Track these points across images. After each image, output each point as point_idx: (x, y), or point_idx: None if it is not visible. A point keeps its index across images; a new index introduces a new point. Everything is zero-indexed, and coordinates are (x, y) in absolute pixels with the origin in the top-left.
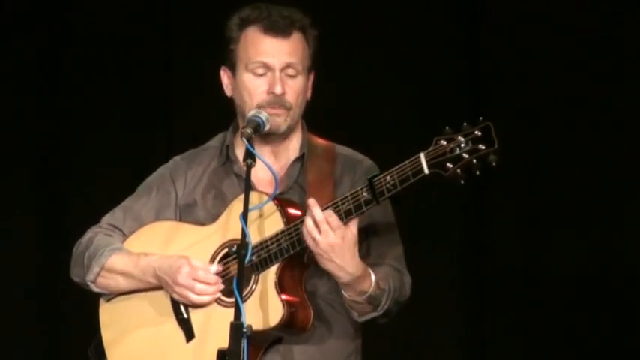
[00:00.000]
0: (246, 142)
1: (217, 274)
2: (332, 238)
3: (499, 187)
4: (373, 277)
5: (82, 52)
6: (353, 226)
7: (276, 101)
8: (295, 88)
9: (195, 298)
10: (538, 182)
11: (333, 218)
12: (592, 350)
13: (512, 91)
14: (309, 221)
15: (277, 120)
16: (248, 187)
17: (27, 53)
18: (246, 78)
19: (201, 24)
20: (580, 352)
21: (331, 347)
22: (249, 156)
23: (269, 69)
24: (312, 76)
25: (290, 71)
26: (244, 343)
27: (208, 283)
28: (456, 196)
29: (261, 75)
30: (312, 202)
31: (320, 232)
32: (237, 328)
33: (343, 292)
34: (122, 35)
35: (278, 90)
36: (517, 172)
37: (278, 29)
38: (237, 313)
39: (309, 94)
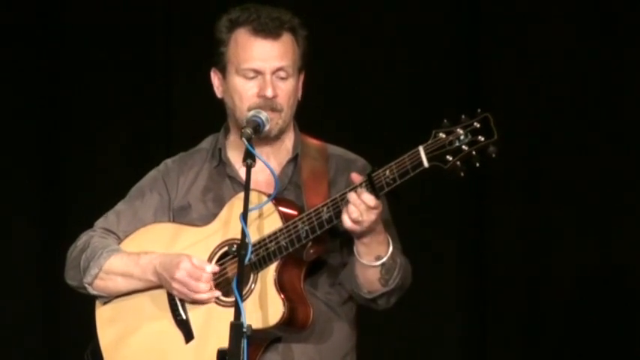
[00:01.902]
0: (246, 143)
1: (214, 274)
2: (373, 215)
3: (499, 186)
4: (391, 243)
5: (82, 52)
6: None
7: (267, 105)
8: (286, 91)
9: (194, 295)
10: (538, 182)
11: (370, 197)
12: (592, 350)
13: (512, 89)
14: (352, 208)
15: (269, 123)
16: (248, 186)
17: (27, 53)
18: (237, 81)
19: (202, 24)
20: (580, 353)
21: (329, 346)
22: (249, 156)
23: (259, 72)
24: (302, 77)
25: (281, 74)
26: (244, 343)
27: (206, 281)
28: (457, 195)
29: (251, 78)
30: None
31: (361, 215)
32: (237, 328)
33: (359, 259)
34: (122, 35)
35: (269, 93)
36: (517, 172)
37: (267, 31)
38: (237, 313)
39: (299, 95)
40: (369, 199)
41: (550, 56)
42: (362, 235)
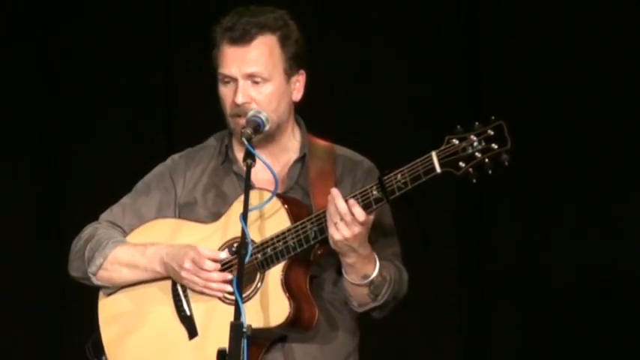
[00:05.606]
0: (246, 142)
1: (224, 263)
2: (357, 228)
3: (499, 187)
4: (377, 262)
5: (82, 52)
6: (371, 214)
7: (240, 112)
8: (265, 95)
9: (202, 283)
10: (538, 184)
11: (358, 209)
12: (592, 351)
13: (512, 90)
14: (335, 215)
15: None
16: (248, 186)
17: (27, 51)
18: (219, 88)
19: (202, 24)
20: (580, 353)
21: (332, 346)
22: (249, 156)
23: (233, 79)
24: (300, 77)
25: (256, 79)
26: (244, 343)
27: (213, 271)
28: (456, 197)
29: (227, 84)
30: (335, 192)
31: (346, 224)
32: (236, 328)
33: (346, 276)
34: (122, 35)
35: (239, 100)
36: (517, 173)
37: (238, 38)
38: (237, 313)
39: (295, 96)
40: (359, 213)
41: (551, 56)
42: (346, 253)
